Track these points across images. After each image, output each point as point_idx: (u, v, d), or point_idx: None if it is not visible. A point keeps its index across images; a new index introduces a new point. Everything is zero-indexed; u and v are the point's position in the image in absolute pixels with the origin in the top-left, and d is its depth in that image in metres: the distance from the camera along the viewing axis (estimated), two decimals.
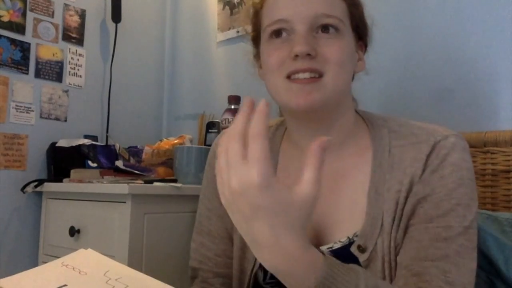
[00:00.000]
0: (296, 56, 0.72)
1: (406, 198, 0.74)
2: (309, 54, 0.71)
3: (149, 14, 2.14)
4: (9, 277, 0.65)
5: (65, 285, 0.63)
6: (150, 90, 2.14)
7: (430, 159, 0.74)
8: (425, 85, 1.30)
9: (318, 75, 0.73)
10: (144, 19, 2.12)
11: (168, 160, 1.61)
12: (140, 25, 2.10)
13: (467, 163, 0.74)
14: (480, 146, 1.11)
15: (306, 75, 0.72)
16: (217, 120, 1.76)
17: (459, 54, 1.25)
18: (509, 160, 1.07)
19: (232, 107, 1.66)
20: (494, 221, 0.94)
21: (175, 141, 1.67)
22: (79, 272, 0.66)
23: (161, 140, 1.74)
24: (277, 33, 0.75)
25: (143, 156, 1.68)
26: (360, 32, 0.81)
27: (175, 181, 1.45)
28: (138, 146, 1.79)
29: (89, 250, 0.72)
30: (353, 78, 0.85)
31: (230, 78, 1.89)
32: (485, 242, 0.92)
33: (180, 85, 2.13)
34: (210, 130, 1.78)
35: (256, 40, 0.84)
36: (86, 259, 0.70)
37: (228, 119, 1.64)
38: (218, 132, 1.73)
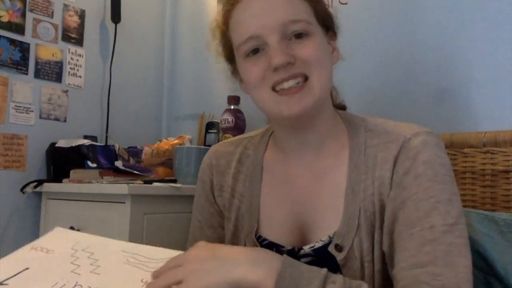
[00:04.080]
0: (276, 68, 0.73)
1: (381, 201, 0.74)
2: (289, 63, 0.73)
3: (148, 14, 2.14)
4: None
5: (27, 268, 0.64)
6: (150, 90, 2.13)
7: (400, 160, 0.73)
8: (424, 85, 1.30)
9: (303, 80, 0.74)
10: (144, 19, 2.12)
11: (167, 161, 1.60)
12: (139, 26, 2.10)
13: (441, 159, 0.73)
14: (479, 146, 1.11)
15: (291, 83, 0.74)
16: (217, 121, 1.75)
17: (459, 54, 1.25)
18: (508, 160, 1.07)
19: (232, 107, 1.65)
20: (491, 222, 0.94)
21: (175, 142, 1.67)
22: (46, 252, 0.67)
23: (160, 141, 1.74)
24: (252, 51, 0.76)
25: (143, 156, 1.68)
26: (327, 24, 0.81)
27: (174, 181, 1.45)
28: (137, 146, 1.79)
29: (59, 228, 0.73)
30: None
31: (229, 78, 1.88)
32: (482, 243, 0.92)
33: (180, 85, 2.13)
34: (209, 131, 1.78)
35: (230, 58, 0.86)
36: (56, 238, 0.71)
37: (227, 119, 1.63)
38: (218, 133, 1.73)
